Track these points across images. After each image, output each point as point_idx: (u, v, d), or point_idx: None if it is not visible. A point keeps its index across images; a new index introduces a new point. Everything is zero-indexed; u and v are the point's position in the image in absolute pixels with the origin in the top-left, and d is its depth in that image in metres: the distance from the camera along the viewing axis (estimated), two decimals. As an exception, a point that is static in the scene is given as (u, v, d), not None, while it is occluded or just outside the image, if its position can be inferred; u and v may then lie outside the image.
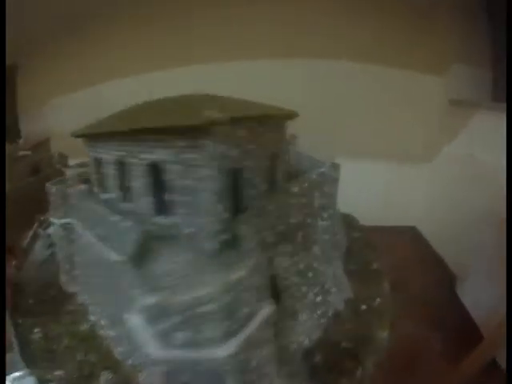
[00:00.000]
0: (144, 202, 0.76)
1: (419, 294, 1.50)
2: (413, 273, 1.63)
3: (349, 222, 1.59)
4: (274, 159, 0.79)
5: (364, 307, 1.11)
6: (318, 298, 1.02)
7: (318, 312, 1.02)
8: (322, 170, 1.04)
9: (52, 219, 1.11)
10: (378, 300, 1.15)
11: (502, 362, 1.20)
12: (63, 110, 2.33)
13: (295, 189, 0.89)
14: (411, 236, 2.04)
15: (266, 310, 0.69)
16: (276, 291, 0.92)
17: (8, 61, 2.08)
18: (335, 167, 1.30)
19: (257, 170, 0.74)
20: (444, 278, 1.64)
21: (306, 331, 0.97)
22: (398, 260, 1.67)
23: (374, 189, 2.04)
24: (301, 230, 0.98)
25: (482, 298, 1.39)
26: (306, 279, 1.00)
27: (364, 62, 1.88)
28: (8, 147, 1.66)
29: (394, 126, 1.90)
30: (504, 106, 1.34)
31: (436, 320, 1.42)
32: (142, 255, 0.68)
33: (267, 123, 0.76)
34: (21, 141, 2.33)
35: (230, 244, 0.71)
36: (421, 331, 1.39)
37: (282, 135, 0.82)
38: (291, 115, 0.82)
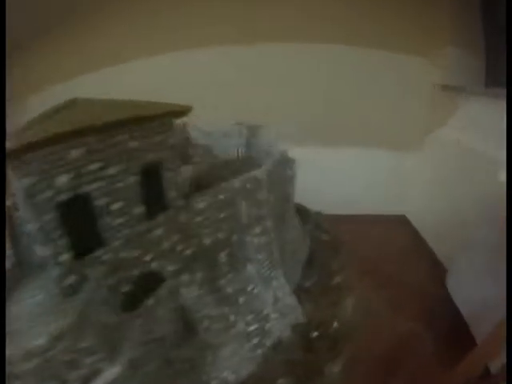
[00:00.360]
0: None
1: (406, 287, 1.41)
2: (401, 265, 1.54)
3: (316, 223, 1.37)
4: (152, 171, 0.61)
5: (315, 334, 0.94)
6: (252, 327, 0.86)
7: (252, 343, 0.86)
8: (258, 172, 0.83)
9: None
10: (335, 325, 0.97)
11: (494, 368, 1.03)
12: (56, 98, 2.25)
13: (201, 204, 0.71)
14: (400, 225, 1.93)
15: (113, 370, 0.54)
16: (191, 323, 0.77)
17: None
18: (288, 162, 1.09)
19: (116, 192, 0.56)
20: (433, 272, 1.52)
21: (231, 366, 0.82)
22: (385, 251, 1.62)
23: (363, 177, 1.96)
24: (222, 251, 0.80)
25: (473, 294, 1.25)
26: (234, 307, 0.84)
27: (354, 44, 1.77)
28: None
29: (383, 112, 1.80)
30: (496, 91, 1.30)
31: (423, 317, 1.30)
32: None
33: (142, 127, 0.57)
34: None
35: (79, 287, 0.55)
36: (408, 328, 1.27)
37: (169, 138, 0.62)
38: (179, 112, 0.62)
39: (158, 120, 0.58)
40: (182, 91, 1.94)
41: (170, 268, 0.69)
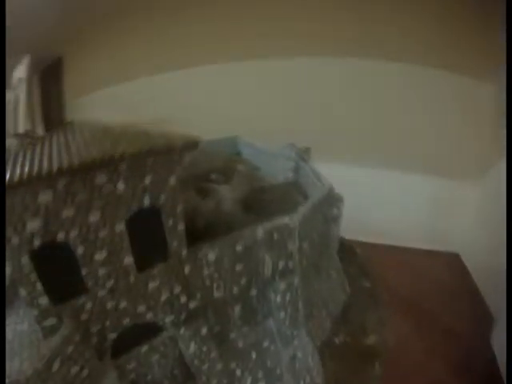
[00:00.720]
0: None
1: (445, 333, 1.27)
2: (444, 307, 1.40)
3: (361, 264, 1.15)
4: (145, 218, 0.51)
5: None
6: (259, 388, 0.73)
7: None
8: (290, 218, 0.68)
9: None
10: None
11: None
12: (105, 103, 2.39)
13: (211, 256, 0.60)
14: (450, 263, 1.71)
15: None
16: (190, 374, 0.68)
17: (53, 53, 2.20)
18: (335, 200, 0.89)
19: (99, 241, 0.48)
20: (479, 320, 1.33)
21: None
22: (428, 289, 1.48)
23: (414, 206, 1.77)
24: (236, 305, 0.68)
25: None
26: (244, 362, 0.72)
27: (407, 62, 1.59)
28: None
29: (440, 137, 1.61)
30: None
31: (458, 370, 1.15)
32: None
33: (131, 166, 0.47)
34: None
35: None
36: (442, 375, 1.14)
37: (169, 178, 0.51)
38: (181, 148, 0.49)
39: (154, 157, 0.47)
40: (232, 105, 1.89)
41: (169, 319, 0.60)
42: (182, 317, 0.62)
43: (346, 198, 1.56)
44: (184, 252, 0.57)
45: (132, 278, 0.54)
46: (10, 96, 2.03)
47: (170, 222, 0.53)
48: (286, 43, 1.75)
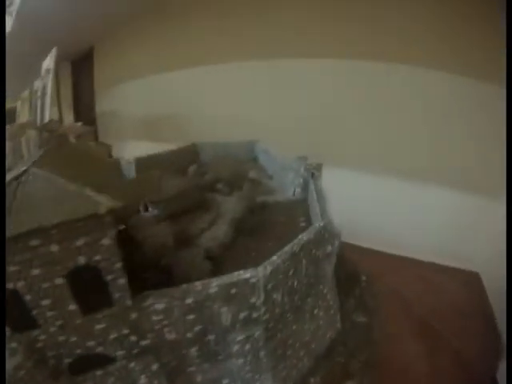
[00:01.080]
0: None
1: (452, 357, 1.22)
2: (454, 329, 1.33)
3: (359, 297, 1.05)
4: (84, 273, 0.53)
5: None
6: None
7: None
8: (254, 274, 0.65)
9: None
10: None
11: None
12: (133, 94, 2.44)
13: (158, 306, 0.61)
14: (469, 284, 1.60)
15: None
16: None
17: (84, 43, 2.24)
18: (330, 236, 0.81)
19: (43, 291, 0.52)
20: (489, 347, 1.24)
21: None
22: (441, 308, 1.43)
23: (435, 219, 1.71)
24: (192, 347, 0.70)
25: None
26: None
27: (434, 67, 1.47)
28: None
29: (465, 149, 1.53)
30: None
31: None
32: None
33: (61, 229, 0.49)
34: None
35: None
36: None
37: (103, 239, 0.51)
38: (107, 213, 0.49)
39: (82, 223, 0.48)
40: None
41: (120, 353, 0.64)
42: (134, 351, 0.65)
43: (365, 206, 1.66)
44: (128, 302, 0.58)
45: (78, 320, 0.58)
46: (38, 85, 2.22)
47: (109, 278, 0.55)
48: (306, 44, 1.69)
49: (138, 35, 2.26)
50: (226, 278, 0.63)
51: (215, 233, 0.95)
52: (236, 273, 0.64)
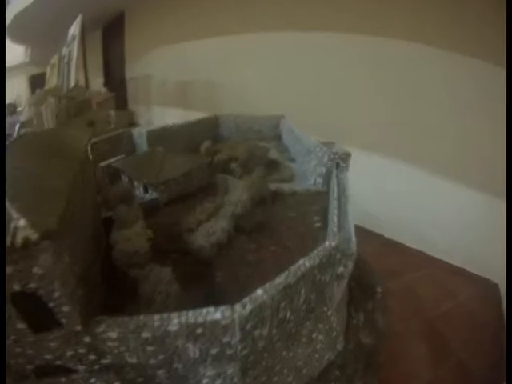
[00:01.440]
0: None
1: (457, 369, 1.18)
2: (465, 341, 1.27)
3: (367, 314, 0.92)
4: (28, 298, 0.47)
5: None
6: None
7: None
8: (227, 315, 0.55)
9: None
10: None
11: None
12: (163, 60, 2.36)
13: (112, 334, 0.55)
14: (486, 294, 1.49)
15: None
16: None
17: (115, 9, 2.05)
18: (341, 257, 0.69)
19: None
20: (497, 364, 1.16)
21: None
22: (455, 317, 1.37)
23: (462, 220, 1.60)
24: (158, 370, 0.64)
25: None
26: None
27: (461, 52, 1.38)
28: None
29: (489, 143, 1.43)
30: None
31: None
32: None
33: None
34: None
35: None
36: None
37: (33, 268, 0.44)
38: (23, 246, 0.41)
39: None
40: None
41: (81, 367, 0.61)
42: (95, 367, 0.61)
43: (389, 195, 1.65)
44: (77, 328, 0.53)
45: (30, 338, 0.54)
46: (64, 51, 2.17)
47: (52, 305, 0.49)
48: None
49: (169, 1, 2.12)
50: (190, 316, 0.54)
51: (212, 228, 0.86)
52: (204, 310, 0.54)
